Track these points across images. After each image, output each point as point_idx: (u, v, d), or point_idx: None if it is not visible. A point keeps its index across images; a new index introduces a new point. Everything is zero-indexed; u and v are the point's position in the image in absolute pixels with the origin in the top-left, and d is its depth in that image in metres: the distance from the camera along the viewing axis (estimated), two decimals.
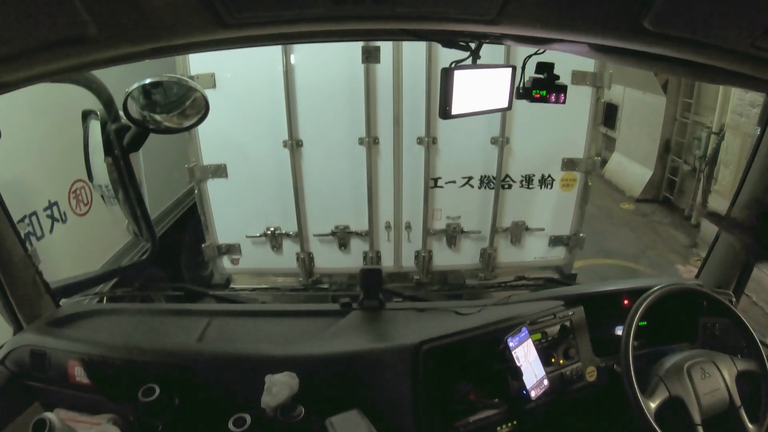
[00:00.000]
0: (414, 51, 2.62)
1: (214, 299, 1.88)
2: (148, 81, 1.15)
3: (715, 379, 1.28)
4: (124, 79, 1.16)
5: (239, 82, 2.65)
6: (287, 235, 2.97)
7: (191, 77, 2.54)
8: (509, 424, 1.34)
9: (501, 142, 2.82)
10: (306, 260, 3.02)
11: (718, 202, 5.80)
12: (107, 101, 1.31)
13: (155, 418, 1.18)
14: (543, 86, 1.39)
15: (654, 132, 7.84)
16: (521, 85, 1.40)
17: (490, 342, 1.33)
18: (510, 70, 1.31)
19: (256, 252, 3.01)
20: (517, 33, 0.95)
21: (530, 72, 1.40)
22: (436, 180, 2.89)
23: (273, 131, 2.72)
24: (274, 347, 1.32)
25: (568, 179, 2.95)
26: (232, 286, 3.11)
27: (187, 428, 1.21)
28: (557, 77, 1.39)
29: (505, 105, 1.34)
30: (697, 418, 1.22)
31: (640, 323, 1.30)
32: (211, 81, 2.60)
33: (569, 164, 2.91)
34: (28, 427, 1.01)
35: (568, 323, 1.46)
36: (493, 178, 2.89)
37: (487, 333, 1.36)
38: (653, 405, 1.21)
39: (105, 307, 1.62)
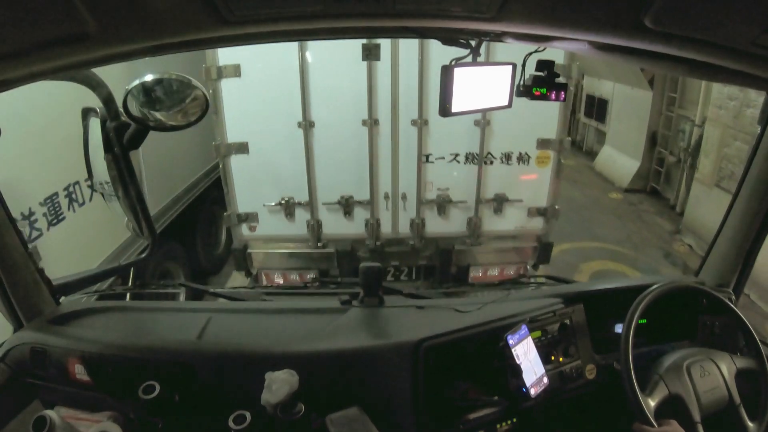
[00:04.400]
0: (409, 47, 3.03)
1: (214, 297, 1.89)
2: (148, 78, 1.14)
3: (714, 377, 1.28)
4: (122, 79, 1.16)
5: (261, 72, 3.03)
6: (299, 204, 3.37)
7: (219, 68, 2.99)
8: (509, 422, 1.34)
9: (483, 123, 3.23)
10: (315, 226, 3.43)
11: (700, 190, 6.30)
12: (107, 99, 1.30)
13: (155, 415, 1.18)
14: (543, 84, 1.38)
15: (642, 125, 8.18)
16: (521, 82, 1.39)
17: (490, 339, 1.33)
18: (510, 67, 1.31)
19: (271, 219, 3.41)
20: (517, 30, 0.95)
21: (530, 69, 1.40)
22: (427, 156, 3.31)
23: (289, 114, 3.14)
24: (274, 344, 1.32)
25: (543, 157, 3.35)
26: (249, 251, 3.50)
27: (188, 426, 1.21)
28: (557, 75, 1.39)
29: (506, 103, 1.33)
30: (696, 415, 1.22)
31: (640, 321, 1.30)
32: (237, 71, 3.00)
33: (543, 143, 3.30)
34: (28, 424, 1.01)
35: (567, 321, 1.46)
36: (477, 154, 3.30)
37: (487, 330, 1.36)
38: (653, 403, 1.21)
39: (105, 304, 1.62)
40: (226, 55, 2.96)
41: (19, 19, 0.61)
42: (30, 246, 2.08)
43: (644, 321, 1.40)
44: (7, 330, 1.40)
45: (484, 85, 1.25)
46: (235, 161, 3.23)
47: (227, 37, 0.96)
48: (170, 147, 4.07)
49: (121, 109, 1.19)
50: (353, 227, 3.44)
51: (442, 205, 3.41)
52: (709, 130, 6.23)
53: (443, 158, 3.32)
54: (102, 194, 1.61)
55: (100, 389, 1.27)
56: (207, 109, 1.21)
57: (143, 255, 1.80)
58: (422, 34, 1.28)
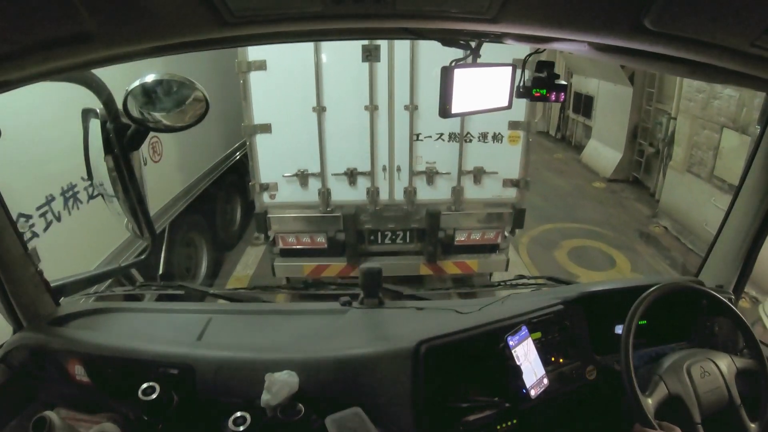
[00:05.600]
0: (403, 45, 3.63)
1: (214, 298, 1.89)
2: (148, 79, 1.14)
3: (714, 378, 1.28)
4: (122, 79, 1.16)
5: (283, 67, 3.65)
6: (312, 174, 4.01)
7: (249, 62, 3.58)
8: (509, 423, 1.34)
9: None
10: (325, 194, 4.06)
11: (673, 176, 6.94)
12: (107, 100, 1.30)
13: (155, 417, 1.18)
14: (543, 85, 1.38)
15: (624, 119, 8.76)
16: (521, 83, 1.39)
17: (490, 341, 1.33)
18: (510, 68, 1.30)
19: (288, 188, 4.05)
20: (517, 31, 0.95)
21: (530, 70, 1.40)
22: (417, 135, 3.96)
23: (305, 100, 3.77)
24: (274, 346, 1.32)
25: (513, 136, 3.98)
26: (268, 216, 4.09)
27: (187, 427, 1.21)
28: (557, 76, 1.39)
29: (506, 104, 1.32)
30: (696, 416, 1.22)
31: (640, 322, 1.30)
32: (263, 65, 3.61)
33: (514, 125, 3.91)
34: (28, 425, 1.01)
35: (567, 322, 1.46)
36: (458, 134, 3.93)
37: (487, 332, 1.36)
38: (652, 403, 1.21)
39: (105, 305, 1.62)
40: (254, 52, 3.58)
41: (20, 20, 0.61)
42: (30, 247, 2.08)
43: (644, 322, 1.40)
44: (6, 331, 1.40)
45: (484, 86, 1.24)
46: (260, 139, 3.86)
47: (227, 39, 0.96)
48: (197, 132, 4.42)
49: (121, 110, 1.19)
50: (357, 194, 4.10)
51: (430, 175, 4.06)
52: (681, 121, 6.81)
53: (430, 137, 3.97)
54: (102, 195, 1.61)
55: (100, 390, 1.27)
56: (207, 110, 1.20)
57: (142, 257, 1.79)
58: (421, 35, 1.27)
